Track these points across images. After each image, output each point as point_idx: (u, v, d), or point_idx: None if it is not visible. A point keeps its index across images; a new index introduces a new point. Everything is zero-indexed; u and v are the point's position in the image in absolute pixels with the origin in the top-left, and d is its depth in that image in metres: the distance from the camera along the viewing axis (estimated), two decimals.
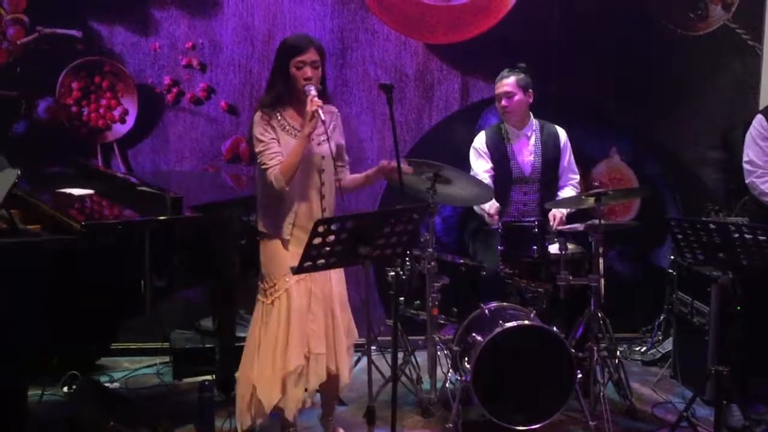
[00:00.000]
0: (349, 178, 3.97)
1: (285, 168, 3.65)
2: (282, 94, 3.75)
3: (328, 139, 3.71)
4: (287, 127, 3.75)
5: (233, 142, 5.28)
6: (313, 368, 3.77)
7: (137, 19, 5.13)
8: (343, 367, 3.88)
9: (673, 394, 4.70)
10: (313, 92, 3.65)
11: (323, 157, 3.78)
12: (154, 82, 5.18)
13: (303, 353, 3.74)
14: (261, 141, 3.70)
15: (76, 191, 4.07)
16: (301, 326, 3.74)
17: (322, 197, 3.81)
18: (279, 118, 3.75)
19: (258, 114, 3.75)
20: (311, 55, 3.71)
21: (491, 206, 4.61)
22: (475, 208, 4.75)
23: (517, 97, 4.73)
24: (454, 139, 5.33)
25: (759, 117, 4.26)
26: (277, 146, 3.70)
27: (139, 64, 5.15)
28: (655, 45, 5.50)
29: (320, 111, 3.60)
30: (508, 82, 4.73)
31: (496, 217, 4.59)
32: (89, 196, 4.11)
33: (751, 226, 3.68)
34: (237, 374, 3.92)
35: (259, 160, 3.73)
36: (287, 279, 3.71)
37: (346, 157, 3.98)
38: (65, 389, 4.45)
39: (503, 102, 4.76)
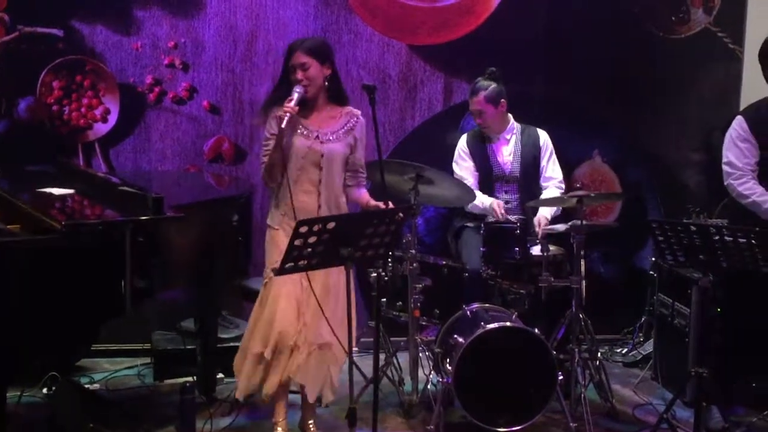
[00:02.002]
0: (355, 195, 4.04)
1: (264, 166, 3.87)
2: (273, 96, 3.92)
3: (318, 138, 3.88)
4: (297, 126, 3.85)
5: (215, 142, 5.26)
6: (295, 358, 3.81)
7: (119, 19, 5.10)
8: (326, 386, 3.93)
9: (654, 396, 4.72)
10: (294, 95, 3.77)
11: (323, 155, 3.87)
12: (136, 81, 5.15)
13: (276, 341, 3.78)
14: (265, 137, 3.92)
15: (57, 191, 4.05)
16: (284, 314, 3.79)
17: (318, 194, 3.88)
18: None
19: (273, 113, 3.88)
20: (297, 58, 3.85)
21: (492, 203, 4.62)
22: (473, 207, 4.71)
23: (488, 114, 4.73)
24: (437, 139, 5.34)
25: (739, 118, 4.28)
26: (273, 143, 3.84)
27: (120, 63, 5.13)
28: (639, 48, 5.53)
29: (284, 120, 3.72)
30: (477, 100, 4.72)
31: (501, 210, 4.58)
32: (70, 195, 4.09)
33: (731, 228, 3.70)
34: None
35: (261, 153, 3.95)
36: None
37: (360, 172, 4.04)
38: (45, 390, 4.41)
39: (477, 120, 4.79)
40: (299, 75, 3.82)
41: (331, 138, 3.90)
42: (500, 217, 4.56)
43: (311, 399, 3.91)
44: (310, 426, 4.05)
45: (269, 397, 3.87)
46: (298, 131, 3.86)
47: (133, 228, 3.52)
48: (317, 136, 3.87)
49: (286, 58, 3.89)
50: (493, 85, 4.72)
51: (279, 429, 3.97)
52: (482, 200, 4.69)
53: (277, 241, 3.86)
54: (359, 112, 4.02)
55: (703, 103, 5.61)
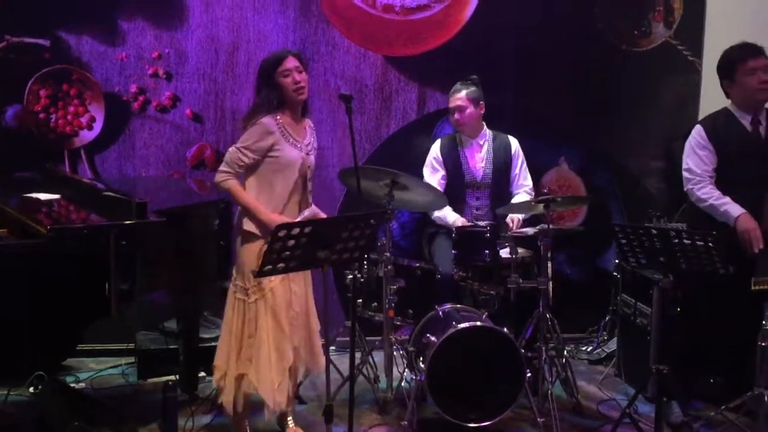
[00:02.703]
0: None
1: (239, 200, 3.79)
2: (267, 100, 3.79)
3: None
4: (286, 135, 3.81)
5: (198, 149, 5.24)
6: (299, 361, 3.87)
7: (104, 30, 5.07)
8: (319, 359, 3.96)
9: (617, 392, 4.75)
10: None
11: (309, 167, 3.88)
12: (120, 90, 5.13)
13: (292, 348, 3.81)
14: (247, 147, 3.76)
15: (43, 196, 4.03)
16: (289, 323, 3.80)
17: (304, 205, 3.88)
18: (280, 122, 3.79)
19: (268, 118, 3.76)
20: (293, 61, 3.81)
21: (456, 220, 4.66)
22: (437, 218, 4.76)
23: (468, 111, 4.76)
24: (411, 147, 5.35)
25: (698, 127, 4.32)
26: (249, 161, 3.75)
27: (106, 73, 5.10)
28: (603, 60, 5.57)
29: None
30: (459, 96, 4.77)
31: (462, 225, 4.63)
32: (56, 200, 4.06)
33: (690, 232, 3.75)
34: (216, 366, 3.91)
35: (228, 152, 3.81)
36: (271, 278, 3.70)
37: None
38: (32, 390, 4.36)
39: (456, 116, 4.79)
40: (297, 77, 3.77)
41: (310, 150, 3.91)
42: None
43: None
44: (289, 422, 4.05)
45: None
46: (291, 142, 3.81)
47: (117, 232, 3.50)
48: (303, 148, 3.86)
49: (273, 65, 3.79)
50: (474, 88, 4.78)
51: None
52: (445, 214, 4.70)
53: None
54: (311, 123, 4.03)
55: (664, 113, 5.66)
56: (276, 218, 3.69)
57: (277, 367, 3.76)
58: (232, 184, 3.78)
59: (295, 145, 3.81)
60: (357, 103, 5.27)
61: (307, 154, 3.87)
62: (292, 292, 3.83)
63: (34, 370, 4.38)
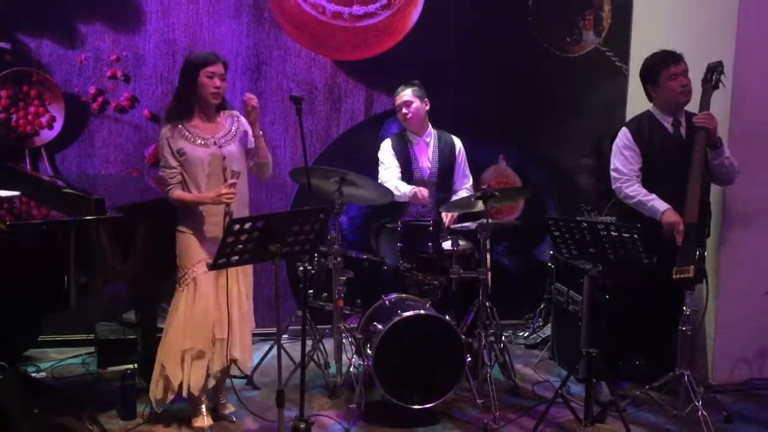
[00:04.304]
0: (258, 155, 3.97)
1: (181, 201, 3.80)
2: (189, 103, 3.81)
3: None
4: (190, 137, 3.80)
5: (156, 148, 5.14)
6: (217, 352, 3.83)
7: (64, 33, 4.96)
8: (245, 352, 3.95)
9: (551, 374, 4.80)
10: (231, 187, 3.73)
11: (225, 158, 3.82)
12: (80, 91, 5.02)
13: (208, 337, 3.79)
14: (165, 158, 3.81)
15: (3, 193, 3.92)
16: (206, 310, 3.78)
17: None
18: (182, 128, 3.80)
19: (166, 128, 3.81)
20: (220, 68, 3.82)
21: (411, 191, 4.61)
22: (399, 198, 4.68)
23: (414, 105, 4.77)
24: (359, 146, 5.33)
25: (624, 130, 4.37)
26: (176, 164, 3.78)
27: (65, 75, 4.99)
28: (538, 65, 5.60)
29: (230, 205, 3.72)
30: (406, 92, 4.79)
31: (421, 194, 4.59)
32: (17, 197, 3.97)
33: (617, 224, 3.78)
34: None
35: (161, 174, 3.85)
36: (196, 269, 3.77)
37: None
38: None
39: (403, 110, 4.80)
40: (219, 82, 3.79)
41: (225, 141, 3.86)
42: (426, 200, 4.60)
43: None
44: (222, 400, 4.08)
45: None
46: (198, 142, 3.80)
47: (76, 227, 3.43)
48: (215, 142, 3.83)
49: (202, 63, 3.77)
50: (417, 87, 4.81)
51: (207, 416, 3.94)
52: (402, 191, 4.65)
53: (191, 243, 3.82)
54: (237, 112, 3.99)
55: (594, 115, 5.70)
56: (213, 194, 3.73)
57: (184, 351, 3.77)
58: (177, 193, 3.81)
59: (202, 144, 3.80)
60: (308, 104, 5.24)
61: (220, 147, 3.83)
62: (219, 285, 3.81)
63: None
